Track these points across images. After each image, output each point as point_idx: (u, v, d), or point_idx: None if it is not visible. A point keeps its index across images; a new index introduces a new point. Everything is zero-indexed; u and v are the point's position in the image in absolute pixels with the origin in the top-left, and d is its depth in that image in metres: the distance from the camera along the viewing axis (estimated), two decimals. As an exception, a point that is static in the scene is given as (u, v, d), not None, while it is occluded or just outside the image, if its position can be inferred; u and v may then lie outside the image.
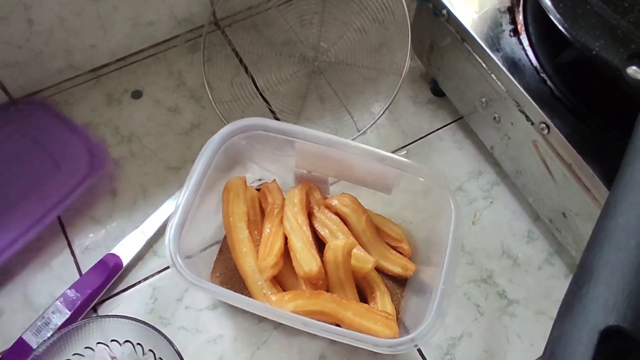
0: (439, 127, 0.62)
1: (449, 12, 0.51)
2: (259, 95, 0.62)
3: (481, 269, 0.54)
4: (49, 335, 0.46)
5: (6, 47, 0.55)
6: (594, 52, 0.38)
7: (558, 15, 0.40)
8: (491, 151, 0.56)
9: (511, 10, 0.51)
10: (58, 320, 0.47)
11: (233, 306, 0.51)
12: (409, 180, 0.48)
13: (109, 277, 0.50)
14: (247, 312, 0.50)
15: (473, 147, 0.60)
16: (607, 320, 0.20)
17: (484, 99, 0.52)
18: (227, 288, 0.43)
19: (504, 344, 0.51)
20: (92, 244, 0.53)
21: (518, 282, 0.53)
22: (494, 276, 0.54)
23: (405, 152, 0.60)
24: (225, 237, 0.52)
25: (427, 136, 0.61)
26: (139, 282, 0.52)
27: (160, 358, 0.45)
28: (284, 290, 0.48)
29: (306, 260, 0.45)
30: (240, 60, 0.64)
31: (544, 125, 0.46)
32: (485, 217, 0.57)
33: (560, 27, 0.40)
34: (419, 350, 0.50)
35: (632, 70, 0.35)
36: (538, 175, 0.50)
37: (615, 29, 0.34)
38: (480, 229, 0.56)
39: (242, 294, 0.43)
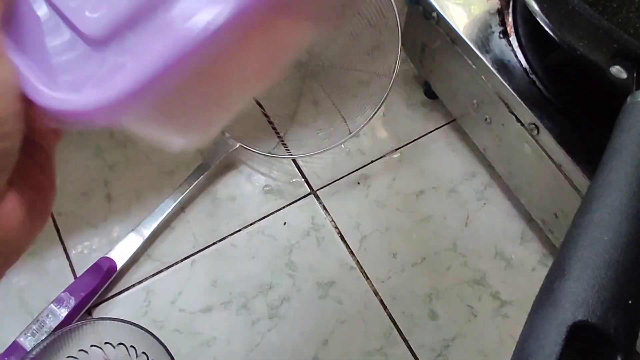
0: (432, 129, 0.62)
1: (438, 14, 0.51)
2: (253, 100, 0.62)
3: (474, 270, 0.54)
4: (43, 338, 0.46)
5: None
6: (578, 52, 0.38)
7: (543, 16, 0.40)
8: (484, 153, 0.56)
9: (500, 12, 0.51)
10: (52, 323, 0.48)
11: (227, 308, 0.51)
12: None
13: (103, 280, 0.50)
14: (242, 313, 0.51)
15: (466, 149, 0.60)
16: (576, 315, 0.21)
17: (475, 101, 0.53)
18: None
19: (498, 345, 0.51)
20: (87, 247, 0.54)
21: (511, 283, 0.53)
22: (487, 277, 0.54)
23: (398, 154, 0.60)
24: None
25: (421, 138, 0.61)
26: (133, 285, 0.52)
27: (152, 360, 0.45)
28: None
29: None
30: (235, 65, 0.64)
31: (534, 126, 0.46)
32: (478, 219, 0.57)
33: (545, 28, 0.40)
34: (412, 352, 0.50)
35: (615, 69, 0.35)
36: (529, 176, 0.50)
37: (597, 28, 0.34)
38: (474, 231, 0.56)
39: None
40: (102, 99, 0.21)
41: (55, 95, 0.21)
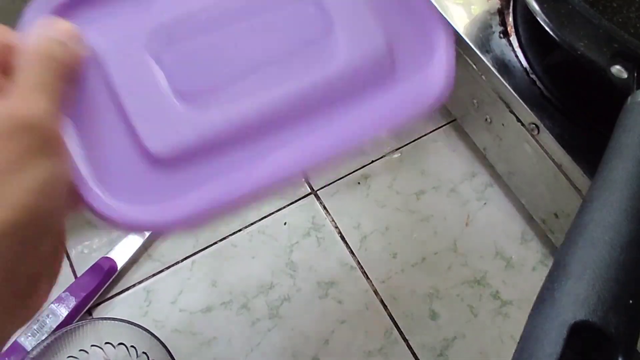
0: (433, 129, 0.62)
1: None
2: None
3: (475, 270, 0.54)
4: (43, 338, 0.46)
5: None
6: (579, 52, 0.38)
7: (544, 16, 0.40)
8: (484, 153, 0.56)
9: (501, 12, 0.51)
10: (53, 323, 0.48)
11: (228, 308, 0.51)
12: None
13: (103, 280, 0.50)
14: (242, 313, 0.51)
15: (467, 149, 0.60)
16: (577, 315, 0.21)
17: (475, 101, 0.53)
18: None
19: (498, 345, 0.51)
20: (87, 247, 0.54)
21: (512, 283, 0.53)
22: (488, 277, 0.54)
23: (399, 154, 0.60)
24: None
25: (421, 138, 0.61)
26: (134, 285, 0.52)
27: (153, 360, 0.45)
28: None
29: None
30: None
31: (534, 125, 0.46)
32: (478, 219, 0.57)
33: (546, 28, 0.40)
34: (412, 352, 0.50)
35: (616, 69, 0.35)
36: (530, 176, 0.50)
37: (597, 28, 0.34)
38: (474, 231, 0.56)
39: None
40: (143, 221, 0.23)
41: (104, 201, 0.23)
